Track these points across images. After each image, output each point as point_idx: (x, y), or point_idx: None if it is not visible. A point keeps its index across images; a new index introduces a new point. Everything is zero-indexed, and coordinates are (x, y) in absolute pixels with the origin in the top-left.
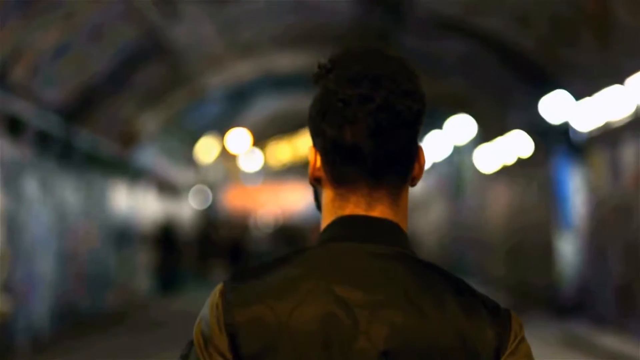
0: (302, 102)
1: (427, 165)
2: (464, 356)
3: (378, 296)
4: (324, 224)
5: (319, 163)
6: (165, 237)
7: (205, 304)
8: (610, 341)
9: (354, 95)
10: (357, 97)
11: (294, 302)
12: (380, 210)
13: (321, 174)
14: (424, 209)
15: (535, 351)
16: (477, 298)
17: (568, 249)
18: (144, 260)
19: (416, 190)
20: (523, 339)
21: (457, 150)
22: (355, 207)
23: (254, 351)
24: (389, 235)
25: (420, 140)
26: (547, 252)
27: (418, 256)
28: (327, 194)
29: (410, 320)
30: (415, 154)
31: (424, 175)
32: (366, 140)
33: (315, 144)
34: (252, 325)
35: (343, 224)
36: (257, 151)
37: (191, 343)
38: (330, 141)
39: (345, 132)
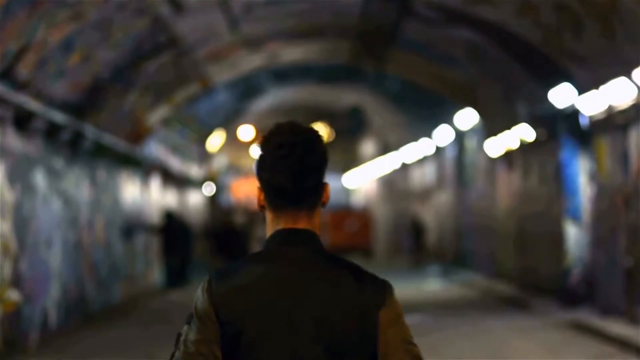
0: (310, 94)
1: (430, 152)
2: (358, 313)
3: (302, 277)
4: (268, 234)
5: (262, 197)
6: (171, 227)
7: (199, 288)
8: (620, 328)
9: (278, 156)
10: (280, 157)
11: (252, 284)
12: (301, 224)
13: (263, 202)
14: (435, 197)
15: (546, 337)
16: (364, 275)
17: (576, 237)
18: (153, 252)
19: (419, 182)
20: (394, 299)
21: (462, 139)
22: (285, 223)
23: (229, 318)
24: (307, 240)
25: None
26: (555, 240)
27: (327, 252)
28: (268, 216)
29: (323, 292)
30: (322, 189)
31: (426, 166)
32: (288, 183)
33: (260, 185)
34: (226, 301)
35: (280, 233)
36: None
37: (191, 314)
38: (266, 184)
39: (275, 178)
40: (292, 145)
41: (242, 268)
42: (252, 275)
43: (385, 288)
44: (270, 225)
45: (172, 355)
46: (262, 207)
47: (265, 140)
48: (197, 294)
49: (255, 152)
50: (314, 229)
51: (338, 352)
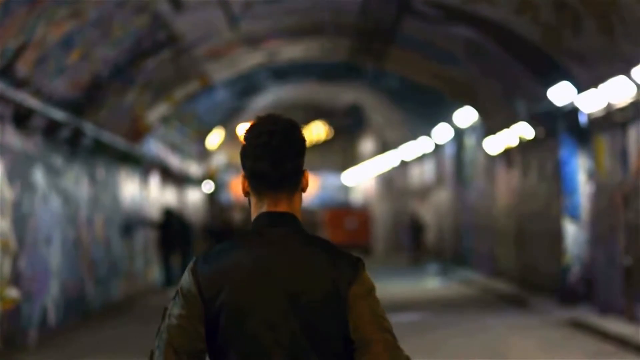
0: (309, 92)
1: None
2: (331, 288)
3: (281, 256)
4: (252, 217)
5: (246, 184)
6: (170, 224)
7: (186, 270)
8: (618, 326)
9: (259, 144)
10: (261, 145)
11: (232, 263)
12: (282, 207)
13: (248, 189)
14: (435, 194)
15: (545, 335)
16: (338, 253)
17: (575, 235)
18: (152, 250)
19: (418, 180)
20: (365, 275)
21: (461, 136)
22: (267, 206)
23: (211, 296)
24: (287, 221)
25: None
26: (554, 238)
27: (305, 232)
28: (252, 200)
29: (298, 270)
30: (300, 175)
31: (426, 164)
32: (268, 168)
33: (244, 172)
34: (208, 280)
35: (262, 216)
36: None
37: (177, 291)
38: (249, 170)
39: (257, 164)
40: (271, 133)
41: (225, 250)
42: (234, 256)
43: (357, 265)
44: (254, 209)
45: (158, 328)
46: (247, 193)
47: (247, 131)
48: (184, 274)
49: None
50: (294, 211)
51: (312, 326)
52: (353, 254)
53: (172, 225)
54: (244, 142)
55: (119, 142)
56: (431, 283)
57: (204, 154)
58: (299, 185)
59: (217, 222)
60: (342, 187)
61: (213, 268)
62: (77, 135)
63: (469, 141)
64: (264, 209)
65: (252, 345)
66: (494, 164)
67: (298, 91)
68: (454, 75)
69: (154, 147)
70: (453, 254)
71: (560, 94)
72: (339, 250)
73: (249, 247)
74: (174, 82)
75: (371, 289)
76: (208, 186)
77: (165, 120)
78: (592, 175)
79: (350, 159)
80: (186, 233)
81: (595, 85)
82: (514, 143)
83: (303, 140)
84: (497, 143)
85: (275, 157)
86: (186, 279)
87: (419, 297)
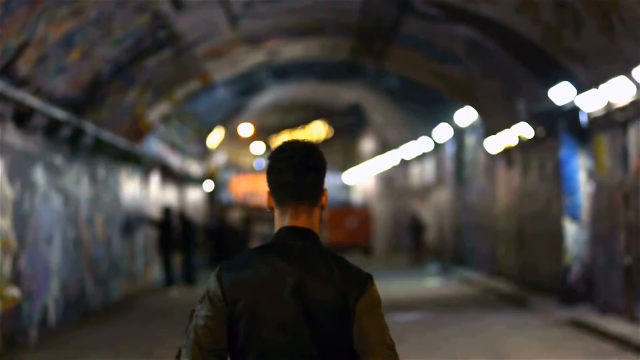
0: (310, 91)
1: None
2: (341, 300)
3: (297, 268)
4: (275, 229)
5: (271, 200)
6: (169, 223)
7: (211, 275)
8: (618, 326)
9: (282, 158)
10: (284, 159)
11: (253, 272)
12: (302, 219)
13: (272, 204)
14: (435, 193)
15: (545, 335)
16: (350, 267)
17: (575, 235)
18: (153, 249)
19: (417, 180)
20: (373, 290)
21: (461, 136)
22: (290, 219)
23: (232, 299)
24: (306, 236)
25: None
26: (554, 238)
27: (322, 246)
28: (276, 213)
29: (313, 282)
30: (320, 190)
31: (426, 164)
32: (291, 179)
33: (269, 188)
34: (231, 286)
35: (284, 230)
36: (261, 142)
37: (204, 295)
38: (273, 183)
39: (280, 176)
40: (294, 150)
41: (247, 259)
42: (255, 266)
43: (366, 280)
44: (278, 221)
45: (186, 327)
46: (271, 208)
47: (272, 151)
48: (209, 279)
49: (264, 164)
50: (312, 226)
51: (322, 334)
52: (363, 270)
53: (171, 224)
54: (269, 162)
55: (119, 141)
56: (431, 283)
57: (204, 154)
58: (319, 200)
59: (215, 221)
60: (342, 186)
61: (235, 276)
62: (77, 134)
63: (469, 140)
64: (286, 222)
65: (268, 348)
66: (494, 163)
67: (298, 90)
68: (454, 74)
69: (154, 146)
70: (453, 254)
71: (561, 93)
72: (351, 265)
73: (269, 258)
74: (175, 82)
75: (377, 305)
76: (208, 185)
77: (165, 119)
78: (593, 175)
79: (351, 158)
80: (189, 232)
81: (596, 85)
82: (514, 142)
83: (323, 159)
84: (497, 143)
85: (296, 169)
86: (212, 283)
87: (419, 297)
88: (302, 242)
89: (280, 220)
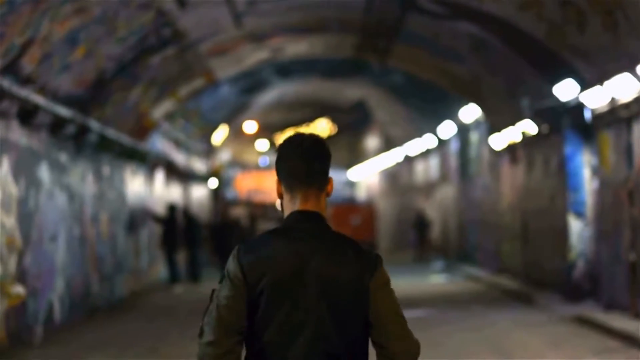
0: (314, 88)
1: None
2: (356, 279)
3: (312, 246)
4: (285, 214)
5: (280, 187)
6: (174, 220)
7: (230, 256)
8: (623, 323)
9: (292, 147)
10: (293, 148)
11: (271, 254)
12: (310, 205)
13: (281, 191)
14: (440, 190)
15: (550, 331)
16: (361, 249)
17: (580, 231)
18: (157, 246)
19: (422, 177)
20: (383, 269)
21: (465, 132)
22: (300, 203)
23: (253, 280)
24: (317, 219)
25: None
26: (559, 234)
27: (330, 229)
28: (285, 199)
29: (329, 262)
30: (327, 177)
31: (430, 160)
32: (300, 165)
33: (278, 177)
34: (251, 267)
35: (295, 213)
36: (265, 140)
37: (224, 276)
38: (283, 170)
39: (290, 163)
40: (302, 139)
41: (265, 241)
42: (271, 246)
43: (376, 259)
44: (287, 207)
45: (207, 307)
46: (280, 195)
47: (281, 142)
48: (229, 260)
49: (273, 157)
50: (321, 210)
51: (338, 309)
52: (372, 251)
53: (176, 221)
54: (278, 153)
55: (124, 138)
56: (436, 279)
57: (208, 151)
58: (325, 186)
59: (220, 219)
60: (347, 183)
61: (255, 257)
62: (82, 131)
63: (474, 137)
64: (297, 206)
65: (286, 324)
66: (499, 160)
67: (303, 88)
68: (458, 71)
69: (159, 143)
70: (457, 250)
71: (565, 90)
72: (361, 246)
73: (285, 238)
74: (179, 79)
75: (387, 281)
76: (212, 183)
77: (170, 116)
78: (597, 172)
79: (355, 155)
80: (193, 229)
81: (600, 82)
82: (519, 139)
83: (328, 148)
84: (501, 139)
85: (305, 156)
86: (231, 264)
87: (424, 294)
88: (313, 224)
89: (291, 205)
